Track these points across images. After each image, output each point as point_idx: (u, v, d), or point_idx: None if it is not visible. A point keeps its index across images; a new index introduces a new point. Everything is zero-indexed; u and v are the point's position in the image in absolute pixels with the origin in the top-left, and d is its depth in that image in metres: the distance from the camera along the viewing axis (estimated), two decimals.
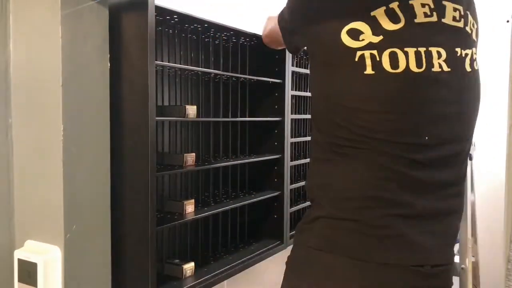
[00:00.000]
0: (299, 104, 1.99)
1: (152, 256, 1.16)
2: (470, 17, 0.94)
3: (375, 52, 0.85)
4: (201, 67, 1.53)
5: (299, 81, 1.97)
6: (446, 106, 0.89)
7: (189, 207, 1.37)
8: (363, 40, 0.86)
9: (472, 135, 0.97)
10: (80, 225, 1.07)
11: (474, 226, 1.82)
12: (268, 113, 1.76)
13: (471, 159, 1.72)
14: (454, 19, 0.91)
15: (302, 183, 1.93)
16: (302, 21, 1.00)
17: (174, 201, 1.39)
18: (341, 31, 0.88)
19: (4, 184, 1.12)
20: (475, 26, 0.96)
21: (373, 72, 0.85)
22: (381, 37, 0.86)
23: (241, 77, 1.63)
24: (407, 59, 0.85)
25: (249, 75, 1.64)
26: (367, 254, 0.89)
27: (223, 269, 1.44)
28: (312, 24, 0.96)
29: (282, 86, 1.74)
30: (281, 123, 1.75)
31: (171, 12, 1.27)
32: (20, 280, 1.06)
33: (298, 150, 2.02)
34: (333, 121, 0.93)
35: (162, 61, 1.43)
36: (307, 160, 1.98)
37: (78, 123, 1.06)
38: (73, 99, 1.05)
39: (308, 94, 1.99)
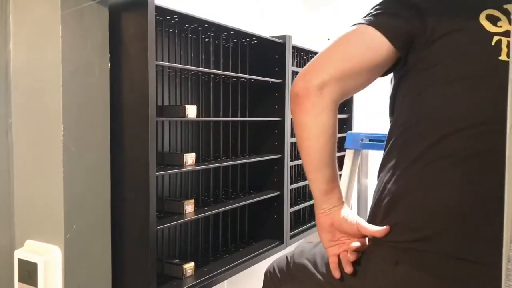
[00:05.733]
0: None
1: (152, 256, 1.16)
2: None
3: (510, 40, 0.82)
4: (201, 67, 1.53)
5: None
6: None
7: (189, 207, 1.37)
8: (501, 26, 0.83)
9: None
10: (80, 225, 1.07)
11: None
12: (268, 113, 1.76)
13: None
14: None
15: (302, 183, 1.93)
16: (431, 19, 0.84)
17: (174, 201, 1.39)
18: (479, 15, 0.83)
19: (4, 184, 1.12)
20: None
21: (508, 59, 0.80)
22: None
23: (241, 77, 1.63)
24: None
25: (249, 75, 1.64)
26: None
27: (223, 269, 1.44)
28: (441, 13, 0.84)
29: (282, 86, 1.74)
30: (281, 123, 1.75)
31: (171, 12, 1.27)
32: (20, 280, 1.06)
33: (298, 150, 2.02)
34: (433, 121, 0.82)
35: (162, 61, 1.43)
36: None
37: (78, 123, 1.06)
38: (73, 99, 1.05)
39: None
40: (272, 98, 1.76)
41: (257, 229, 1.78)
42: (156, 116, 1.17)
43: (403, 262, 0.82)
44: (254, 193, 1.72)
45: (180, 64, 1.51)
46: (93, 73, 1.10)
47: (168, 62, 1.46)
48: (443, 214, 0.80)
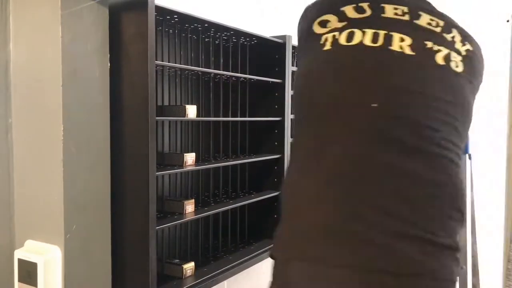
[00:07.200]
0: None
1: (152, 256, 1.16)
2: (455, 33, 0.96)
3: (336, 33, 0.95)
4: (201, 67, 1.53)
5: None
6: (402, 82, 0.89)
7: (189, 207, 1.37)
8: (329, 27, 0.97)
9: (440, 129, 0.89)
10: (80, 225, 1.07)
11: (473, 225, 1.82)
12: (268, 113, 1.76)
13: (470, 158, 1.72)
14: (429, 24, 0.95)
15: None
16: (299, 42, 1.08)
17: (174, 201, 1.39)
18: (313, 23, 0.99)
19: (4, 184, 1.12)
20: (466, 46, 0.96)
21: (330, 47, 0.94)
22: (345, 23, 0.95)
23: (241, 77, 1.63)
24: (363, 36, 0.92)
25: (249, 75, 1.64)
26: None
27: (223, 269, 1.44)
28: (299, 32, 1.06)
29: (282, 86, 1.74)
30: (281, 123, 1.75)
31: (171, 12, 1.27)
32: (20, 280, 1.06)
33: None
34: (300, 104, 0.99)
35: (162, 61, 1.43)
36: None
37: (78, 123, 1.06)
38: (73, 99, 1.05)
39: None
40: (272, 98, 1.76)
41: (257, 229, 1.78)
42: (156, 116, 1.17)
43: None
44: (254, 193, 1.72)
45: (180, 64, 1.51)
46: (93, 73, 1.10)
47: (168, 62, 1.46)
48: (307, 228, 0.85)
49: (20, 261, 1.06)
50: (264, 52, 1.75)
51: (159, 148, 1.46)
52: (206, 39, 1.59)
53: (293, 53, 1.80)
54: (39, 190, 1.08)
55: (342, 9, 0.97)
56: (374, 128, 0.86)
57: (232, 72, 1.62)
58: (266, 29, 1.84)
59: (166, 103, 1.50)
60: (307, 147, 0.92)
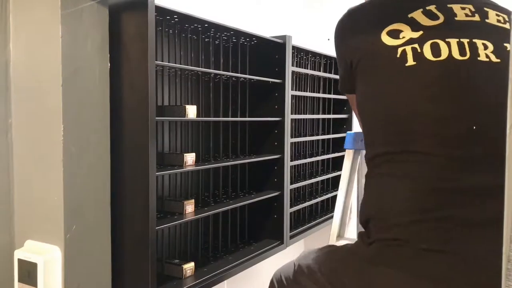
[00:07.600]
0: (299, 104, 1.99)
1: (152, 256, 1.16)
2: None
3: (416, 45, 0.87)
4: (201, 67, 1.53)
5: (299, 81, 1.98)
6: (497, 95, 0.83)
7: (189, 207, 1.37)
8: (403, 37, 0.89)
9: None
10: (80, 225, 1.07)
11: None
12: (268, 113, 1.76)
13: None
14: (498, 21, 0.92)
15: (302, 183, 1.93)
16: (349, 54, 0.99)
17: (174, 201, 1.39)
18: (380, 33, 0.91)
19: (4, 184, 1.12)
20: None
21: (415, 62, 0.87)
22: (421, 32, 0.88)
23: (241, 77, 1.63)
24: (450, 48, 0.86)
25: (249, 75, 1.64)
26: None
27: (223, 269, 1.44)
28: (354, 45, 0.96)
29: (282, 86, 1.74)
30: (281, 123, 1.75)
31: (171, 12, 1.27)
32: (20, 280, 1.06)
33: (298, 150, 2.02)
34: (376, 130, 0.92)
35: (162, 61, 1.43)
36: (307, 160, 1.98)
37: (78, 123, 1.06)
38: (73, 99, 1.05)
39: (308, 94, 1.99)
40: (272, 98, 1.76)
41: (257, 229, 1.78)
42: (156, 116, 1.17)
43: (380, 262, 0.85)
44: (254, 193, 1.72)
45: (180, 64, 1.51)
46: (93, 73, 1.10)
47: (168, 62, 1.46)
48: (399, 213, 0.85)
49: (20, 261, 1.06)
50: (264, 52, 1.75)
51: (159, 148, 1.46)
52: (206, 39, 1.59)
53: (293, 53, 1.80)
54: (39, 190, 1.08)
55: (411, 15, 0.91)
56: (476, 151, 0.81)
57: (232, 72, 1.62)
58: (266, 29, 1.84)
59: (166, 103, 1.50)
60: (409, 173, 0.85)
